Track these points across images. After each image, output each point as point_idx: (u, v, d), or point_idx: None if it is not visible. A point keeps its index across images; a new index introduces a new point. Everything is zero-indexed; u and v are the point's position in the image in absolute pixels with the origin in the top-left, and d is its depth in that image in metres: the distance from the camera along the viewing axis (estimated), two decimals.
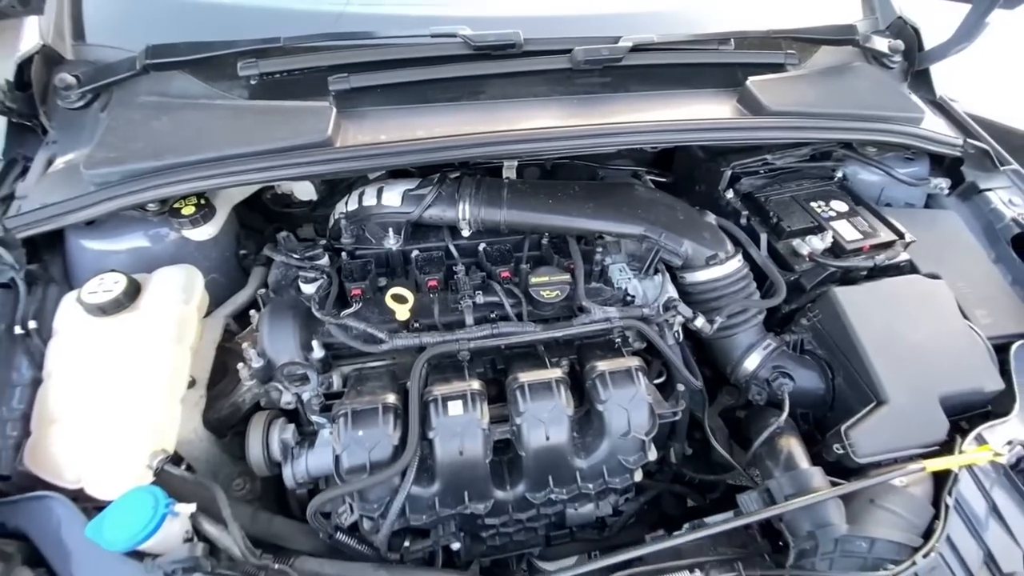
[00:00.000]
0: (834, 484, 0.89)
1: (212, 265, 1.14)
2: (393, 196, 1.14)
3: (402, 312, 1.02)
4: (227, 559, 0.82)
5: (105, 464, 0.84)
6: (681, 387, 1.03)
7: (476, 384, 0.95)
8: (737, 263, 1.13)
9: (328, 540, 0.92)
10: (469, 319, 1.03)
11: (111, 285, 0.99)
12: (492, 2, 1.31)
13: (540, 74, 1.20)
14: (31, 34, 1.18)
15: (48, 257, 1.09)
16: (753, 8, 1.49)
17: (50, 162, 1.13)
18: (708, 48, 1.27)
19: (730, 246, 1.15)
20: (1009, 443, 0.94)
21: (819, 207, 1.26)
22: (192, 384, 1.01)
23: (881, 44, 1.44)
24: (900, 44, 1.44)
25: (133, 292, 1.01)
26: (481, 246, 1.17)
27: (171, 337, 0.96)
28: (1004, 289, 1.22)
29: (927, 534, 0.85)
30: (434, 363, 1.02)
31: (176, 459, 0.94)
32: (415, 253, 1.14)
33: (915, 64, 1.48)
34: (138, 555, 0.78)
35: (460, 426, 0.90)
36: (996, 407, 1.05)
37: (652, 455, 0.98)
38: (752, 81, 1.21)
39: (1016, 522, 0.88)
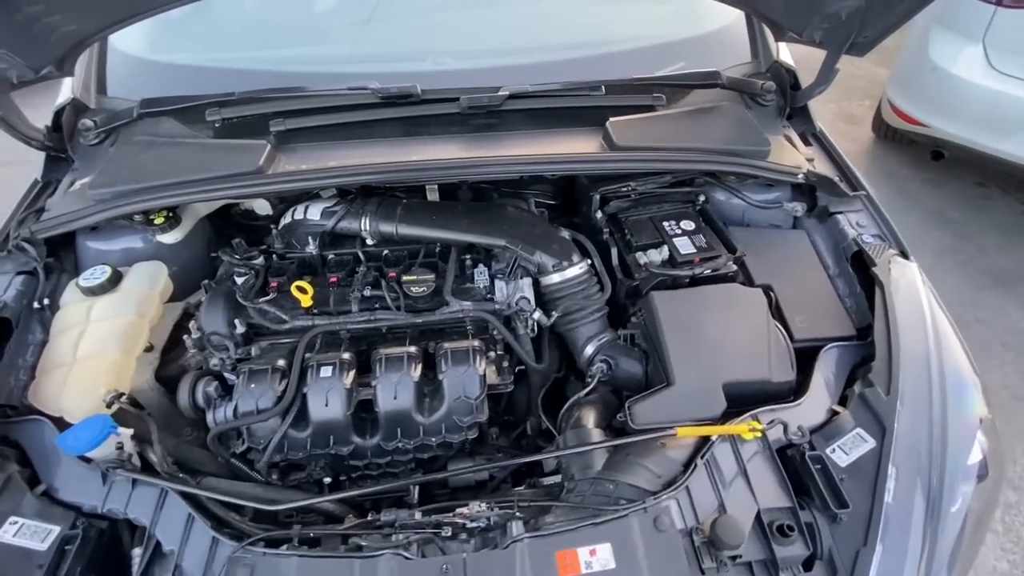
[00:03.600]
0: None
1: (179, 262, 1.50)
2: (315, 211, 1.46)
3: (305, 300, 1.33)
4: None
5: (76, 397, 1.19)
6: (505, 364, 1.28)
7: (346, 355, 1.24)
8: (579, 270, 1.37)
9: (225, 464, 1.23)
10: (354, 308, 1.33)
11: (100, 274, 1.37)
12: (404, 62, 1.64)
13: (436, 117, 1.50)
14: (66, 89, 1.60)
15: (63, 253, 1.48)
16: (651, 58, 1.75)
17: (71, 184, 1.53)
18: (579, 94, 1.54)
19: (577, 256, 1.39)
20: (771, 421, 1.14)
21: (669, 226, 1.48)
22: (150, 349, 1.35)
23: (753, 86, 1.66)
24: (772, 85, 1.65)
25: (116, 279, 1.38)
26: (384, 252, 1.47)
27: (133, 312, 1.31)
28: (831, 300, 1.39)
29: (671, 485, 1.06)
30: (327, 340, 1.32)
31: (134, 403, 1.28)
32: (330, 257, 1.46)
33: (789, 102, 1.68)
34: (87, 460, 1.11)
35: (328, 385, 1.19)
36: (799, 398, 1.24)
37: (482, 417, 1.23)
38: (611, 121, 1.46)
39: (760, 484, 1.07)
